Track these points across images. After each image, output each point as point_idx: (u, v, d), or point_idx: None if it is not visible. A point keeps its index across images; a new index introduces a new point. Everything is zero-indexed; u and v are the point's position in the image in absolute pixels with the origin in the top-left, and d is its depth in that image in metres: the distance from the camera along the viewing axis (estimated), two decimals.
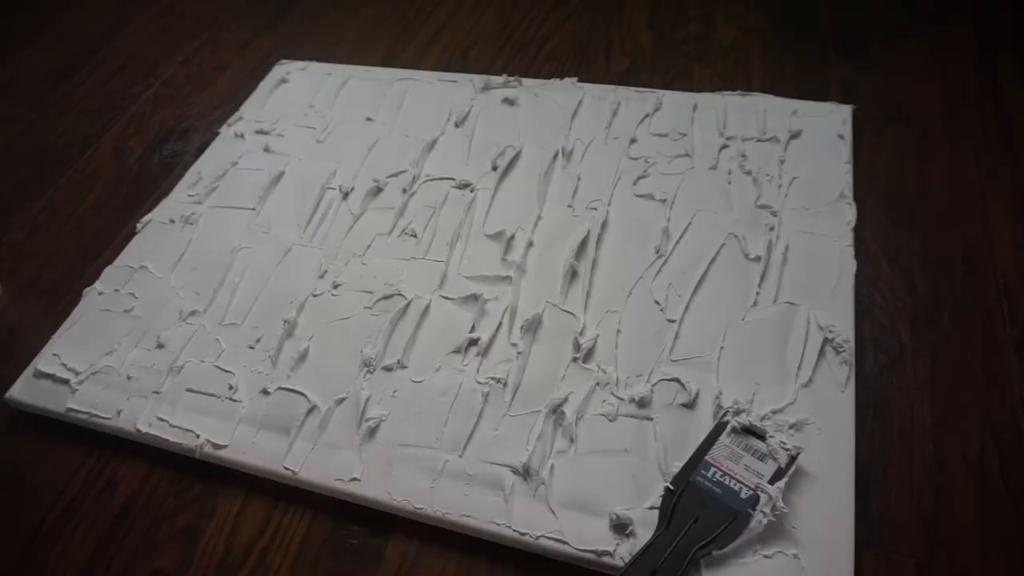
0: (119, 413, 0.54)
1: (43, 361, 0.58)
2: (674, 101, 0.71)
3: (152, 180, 0.74)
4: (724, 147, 0.66)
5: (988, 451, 0.48)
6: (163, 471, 0.53)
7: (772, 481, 0.44)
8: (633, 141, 0.68)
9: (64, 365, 0.57)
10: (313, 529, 0.49)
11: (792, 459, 0.45)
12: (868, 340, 0.54)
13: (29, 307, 0.65)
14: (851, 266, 0.56)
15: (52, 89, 0.87)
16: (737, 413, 0.48)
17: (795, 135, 0.66)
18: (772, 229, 0.59)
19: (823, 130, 0.66)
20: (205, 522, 0.50)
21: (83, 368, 0.57)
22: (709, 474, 0.45)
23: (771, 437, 0.46)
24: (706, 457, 0.46)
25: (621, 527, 0.45)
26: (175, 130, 0.79)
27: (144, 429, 0.53)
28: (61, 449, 0.55)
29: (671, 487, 0.45)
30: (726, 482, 0.45)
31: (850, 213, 0.60)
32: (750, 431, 0.47)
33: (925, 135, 0.68)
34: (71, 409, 0.55)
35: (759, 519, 0.43)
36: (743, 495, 0.44)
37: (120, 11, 0.97)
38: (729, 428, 0.47)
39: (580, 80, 0.75)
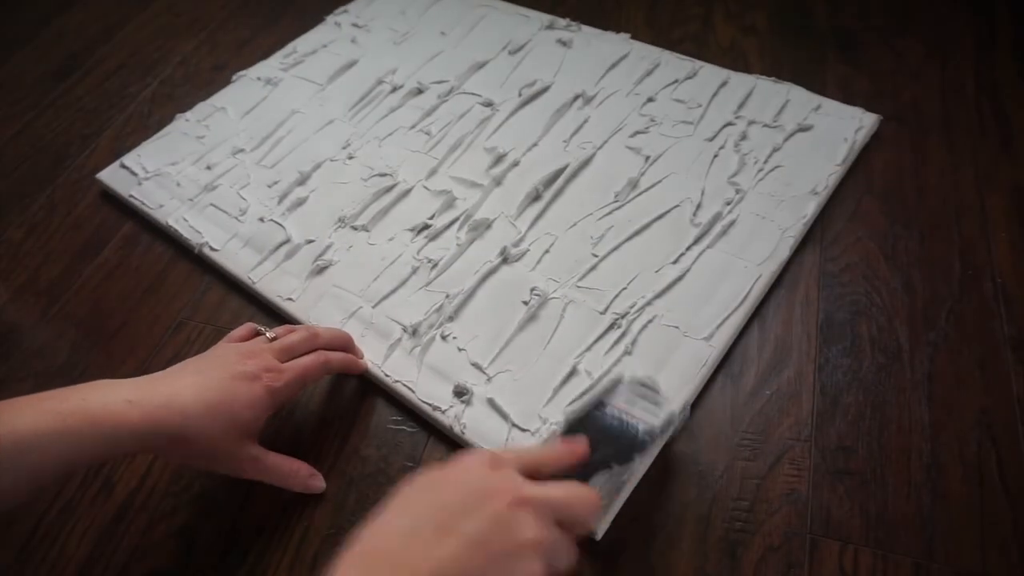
0: (160, 207, 0.69)
1: (129, 158, 0.74)
2: (708, 73, 0.74)
3: None
4: (729, 124, 0.68)
5: (985, 450, 0.49)
6: (161, 471, 0.53)
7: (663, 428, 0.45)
8: (650, 100, 0.72)
9: (141, 164, 0.73)
10: (311, 529, 0.49)
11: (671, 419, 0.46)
12: (866, 339, 0.55)
13: (27, 306, 0.65)
14: (782, 256, 0.58)
15: (50, 88, 0.86)
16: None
17: (804, 128, 0.67)
18: (728, 204, 0.62)
19: (833, 131, 0.67)
20: (203, 521, 0.50)
21: (151, 169, 0.72)
22: (607, 411, 0.45)
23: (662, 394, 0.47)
24: (603, 398, 0.46)
25: (460, 393, 0.53)
26: None
27: (171, 223, 0.67)
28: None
29: (570, 420, 0.45)
30: (624, 418, 0.45)
31: (811, 208, 0.61)
32: (644, 384, 0.47)
33: (923, 134, 0.67)
34: (132, 196, 0.71)
35: (654, 450, 0.44)
36: (640, 429, 0.44)
37: (118, 10, 0.97)
38: (627, 378, 0.47)
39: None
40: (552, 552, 0.33)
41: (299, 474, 0.48)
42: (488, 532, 0.31)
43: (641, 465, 0.44)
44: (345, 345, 0.54)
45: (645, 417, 0.45)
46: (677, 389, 0.51)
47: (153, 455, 0.44)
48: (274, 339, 0.50)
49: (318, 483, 0.49)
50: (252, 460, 0.45)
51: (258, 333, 0.51)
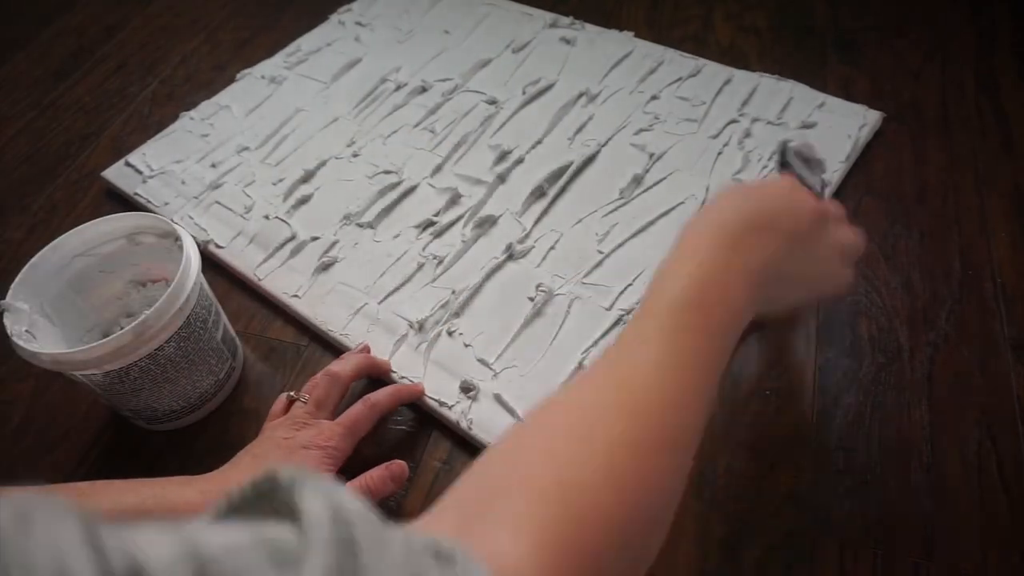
0: (165, 205, 0.69)
1: (134, 156, 0.75)
2: (711, 71, 0.74)
3: None
4: (734, 121, 0.69)
5: (985, 450, 0.49)
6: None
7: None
8: (654, 98, 0.72)
9: (146, 162, 0.74)
10: None
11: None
12: (866, 339, 0.55)
13: None
14: None
15: (50, 88, 0.87)
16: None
17: (808, 126, 0.68)
18: None
19: (837, 128, 0.67)
20: None
21: (156, 167, 0.73)
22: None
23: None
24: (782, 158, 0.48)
25: (467, 388, 0.53)
26: None
27: (176, 221, 0.68)
28: None
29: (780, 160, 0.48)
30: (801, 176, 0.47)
31: None
32: (805, 148, 0.48)
33: (923, 134, 0.68)
34: (137, 193, 0.71)
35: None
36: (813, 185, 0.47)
37: (118, 10, 0.98)
38: (791, 145, 0.48)
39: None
40: (852, 253, 0.43)
41: (381, 483, 0.47)
42: (803, 231, 0.39)
43: None
44: (368, 367, 0.54)
45: (811, 177, 0.47)
46: None
47: None
48: (308, 400, 0.50)
49: (401, 471, 0.48)
50: None
51: (292, 401, 0.51)
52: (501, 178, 0.67)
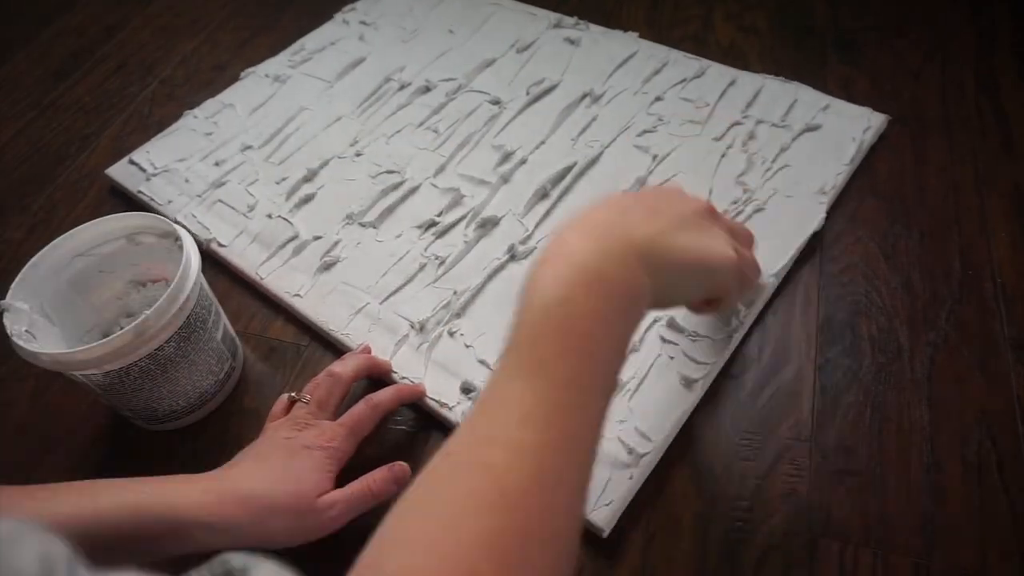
0: (169, 203, 0.70)
1: (137, 154, 0.75)
2: (716, 72, 0.74)
3: None
4: (737, 123, 0.69)
5: (985, 450, 0.49)
6: None
7: None
8: (658, 99, 0.72)
9: (149, 160, 0.74)
10: None
11: None
12: (866, 339, 0.55)
13: None
14: (790, 253, 0.59)
15: (50, 88, 0.87)
16: None
17: (812, 128, 0.67)
18: (736, 203, 0.62)
19: (842, 130, 0.67)
20: None
21: (160, 165, 0.73)
22: None
23: None
24: None
25: (467, 390, 0.53)
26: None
27: (179, 219, 0.68)
28: None
29: None
30: None
31: (816, 214, 0.61)
32: None
33: (923, 134, 0.68)
34: (140, 191, 0.71)
35: None
36: None
37: (118, 10, 0.98)
38: None
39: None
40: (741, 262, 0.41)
41: (384, 485, 0.47)
42: (690, 218, 0.38)
43: None
44: (368, 368, 0.54)
45: None
46: (681, 395, 0.52)
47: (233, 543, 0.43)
48: (309, 400, 0.50)
49: (404, 472, 0.48)
50: (331, 508, 0.44)
51: (294, 401, 0.51)
52: (504, 179, 0.67)
